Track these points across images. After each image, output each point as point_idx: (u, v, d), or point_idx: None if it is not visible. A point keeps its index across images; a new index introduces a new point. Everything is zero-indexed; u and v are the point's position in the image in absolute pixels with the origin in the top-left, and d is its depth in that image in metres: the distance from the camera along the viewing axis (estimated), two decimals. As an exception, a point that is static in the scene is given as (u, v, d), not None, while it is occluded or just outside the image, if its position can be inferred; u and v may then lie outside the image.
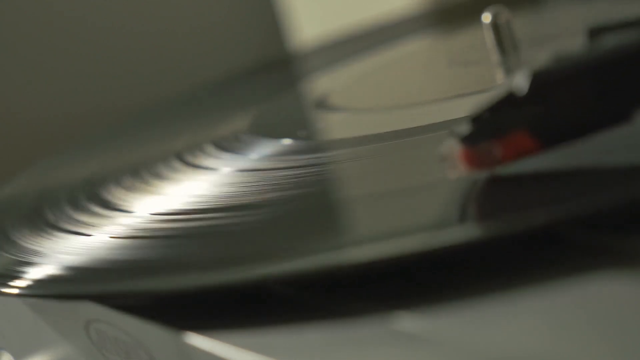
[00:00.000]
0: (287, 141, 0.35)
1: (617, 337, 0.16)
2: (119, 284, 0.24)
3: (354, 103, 0.40)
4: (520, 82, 0.20)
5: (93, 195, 0.34)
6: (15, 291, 0.26)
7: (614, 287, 0.18)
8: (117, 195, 0.33)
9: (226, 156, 0.35)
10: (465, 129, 0.22)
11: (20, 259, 0.29)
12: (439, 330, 0.18)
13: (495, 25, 0.38)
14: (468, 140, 0.22)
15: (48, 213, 0.33)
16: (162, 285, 0.23)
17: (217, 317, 0.22)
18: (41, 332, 0.29)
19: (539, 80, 0.20)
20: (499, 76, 0.37)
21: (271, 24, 0.63)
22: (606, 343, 0.16)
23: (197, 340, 0.21)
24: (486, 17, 0.39)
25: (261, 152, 0.34)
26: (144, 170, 0.36)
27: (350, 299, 0.21)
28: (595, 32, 0.22)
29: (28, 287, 0.26)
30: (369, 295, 0.21)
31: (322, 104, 0.40)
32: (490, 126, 0.21)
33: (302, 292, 0.22)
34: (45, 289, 0.26)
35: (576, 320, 0.17)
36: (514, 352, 0.17)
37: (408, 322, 0.19)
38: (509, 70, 0.36)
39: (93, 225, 0.31)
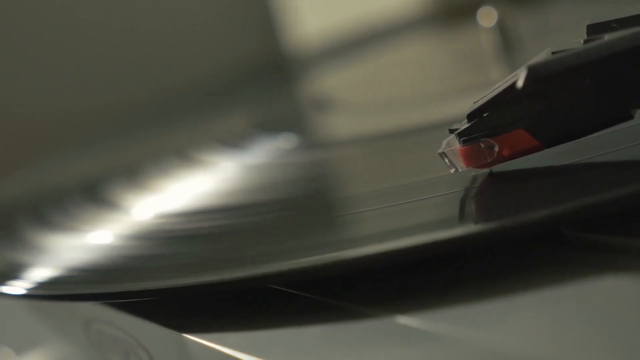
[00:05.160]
0: (287, 139, 0.35)
1: (617, 336, 0.16)
2: (118, 284, 0.24)
3: (353, 102, 0.40)
4: (519, 79, 0.20)
5: (93, 194, 0.34)
6: (15, 292, 0.26)
7: (614, 287, 0.18)
8: (116, 194, 0.33)
9: (226, 154, 0.35)
10: (464, 126, 0.22)
11: (20, 259, 0.29)
12: (439, 330, 0.18)
13: (494, 23, 0.38)
14: (467, 138, 0.22)
15: (48, 212, 0.33)
16: (162, 285, 0.23)
17: (216, 317, 0.22)
18: (41, 331, 0.29)
19: (538, 78, 0.20)
20: (499, 76, 0.37)
21: (271, 21, 0.63)
22: (606, 342, 0.16)
23: (197, 340, 0.21)
24: (485, 16, 0.39)
25: (261, 150, 0.34)
26: (143, 169, 0.36)
27: (349, 299, 0.21)
28: (594, 29, 0.22)
29: (27, 288, 0.26)
30: (369, 295, 0.21)
31: (322, 102, 0.40)
32: (489, 124, 0.21)
33: (302, 292, 0.22)
34: (44, 290, 0.26)
35: (576, 319, 0.17)
36: (514, 352, 0.17)
37: (408, 322, 0.19)
38: (509, 70, 0.36)
39: (93, 225, 0.31)
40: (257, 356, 0.20)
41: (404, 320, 0.19)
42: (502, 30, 0.38)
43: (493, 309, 0.18)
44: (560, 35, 0.40)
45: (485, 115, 0.21)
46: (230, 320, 0.22)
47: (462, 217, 0.21)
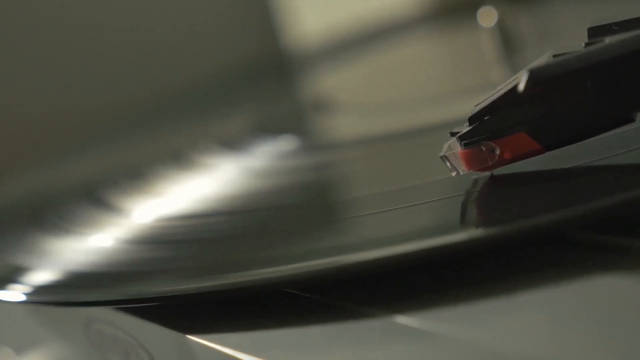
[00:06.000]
0: (288, 140, 0.35)
1: (617, 336, 0.16)
2: (118, 289, 0.24)
3: (353, 102, 0.40)
4: (521, 82, 0.20)
5: (93, 197, 0.34)
6: (14, 299, 0.26)
7: (614, 287, 0.18)
8: (117, 197, 0.33)
9: (226, 156, 0.35)
10: (465, 129, 0.22)
11: (19, 262, 0.29)
12: (439, 330, 0.18)
13: (494, 23, 0.38)
14: (468, 141, 0.22)
15: (47, 214, 0.33)
16: (161, 290, 0.23)
17: (217, 317, 0.22)
18: (41, 331, 0.29)
19: (539, 81, 0.20)
20: (499, 76, 0.37)
21: (271, 21, 0.63)
22: (606, 342, 0.16)
23: (197, 341, 0.21)
24: (485, 16, 0.39)
25: (262, 152, 0.34)
26: (142, 170, 0.36)
27: (349, 299, 0.21)
28: (595, 32, 0.22)
29: (26, 293, 0.26)
30: (369, 295, 0.21)
31: (322, 103, 0.40)
32: (491, 127, 0.21)
33: (302, 292, 0.22)
34: (45, 296, 0.26)
35: (576, 319, 0.17)
36: (514, 352, 0.17)
37: (408, 322, 0.19)
38: (509, 70, 0.36)
39: (93, 228, 0.31)
40: (257, 356, 0.20)
41: (404, 320, 0.19)
42: (502, 30, 0.38)
43: (493, 309, 0.18)
44: (560, 35, 0.40)
45: (486, 118, 0.21)
46: (231, 320, 0.22)
47: (463, 221, 0.21)
